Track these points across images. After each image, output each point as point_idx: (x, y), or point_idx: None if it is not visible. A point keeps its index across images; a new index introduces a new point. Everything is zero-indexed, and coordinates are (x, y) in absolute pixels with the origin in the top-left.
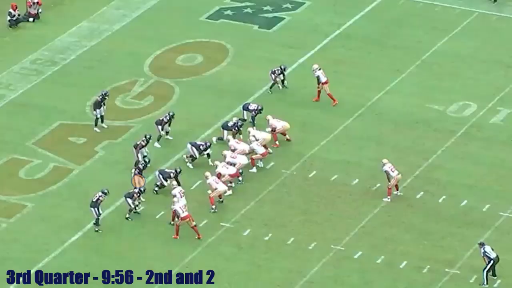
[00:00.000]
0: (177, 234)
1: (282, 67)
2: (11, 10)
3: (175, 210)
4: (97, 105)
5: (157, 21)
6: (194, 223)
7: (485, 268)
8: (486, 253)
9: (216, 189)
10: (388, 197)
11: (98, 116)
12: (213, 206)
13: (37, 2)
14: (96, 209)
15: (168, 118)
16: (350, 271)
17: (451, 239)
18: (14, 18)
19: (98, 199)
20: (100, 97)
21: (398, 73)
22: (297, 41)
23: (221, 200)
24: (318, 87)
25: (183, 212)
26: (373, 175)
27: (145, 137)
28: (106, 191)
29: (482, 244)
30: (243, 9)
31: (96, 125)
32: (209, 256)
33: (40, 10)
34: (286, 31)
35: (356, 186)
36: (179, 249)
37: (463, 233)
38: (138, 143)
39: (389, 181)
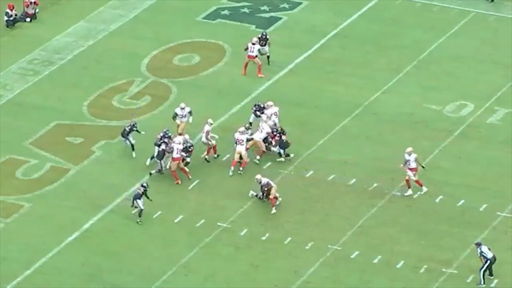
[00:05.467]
0: (177, 179)
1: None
2: (8, 10)
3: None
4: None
5: (154, 21)
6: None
7: (481, 268)
8: (483, 253)
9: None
10: (409, 189)
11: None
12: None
13: (34, 2)
14: (137, 200)
15: (162, 135)
16: (347, 271)
17: (448, 238)
18: (11, 18)
19: (138, 192)
20: (129, 127)
21: (395, 72)
22: (294, 41)
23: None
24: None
25: (176, 153)
26: (370, 174)
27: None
28: (145, 184)
29: (478, 244)
30: (240, 9)
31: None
32: (206, 256)
33: (37, 10)
34: (283, 31)
35: (353, 186)
36: (176, 249)
37: (460, 232)
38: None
39: (415, 171)
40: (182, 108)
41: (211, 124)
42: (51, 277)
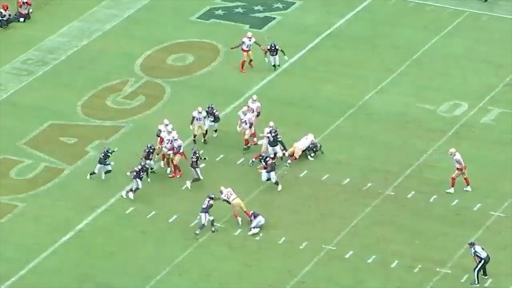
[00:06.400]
0: (179, 171)
1: (273, 44)
2: (1, 10)
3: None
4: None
5: (148, 21)
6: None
7: (475, 268)
8: (477, 253)
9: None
10: (452, 188)
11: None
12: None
13: (27, 2)
14: (206, 214)
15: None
16: (341, 271)
17: (442, 238)
18: (5, 18)
19: (207, 205)
20: (103, 154)
21: (389, 72)
22: (288, 41)
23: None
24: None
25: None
26: (364, 174)
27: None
28: (212, 195)
29: (472, 244)
30: (234, 9)
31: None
32: (200, 256)
33: (30, 10)
34: (277, 31)
35: (347, 186)
36: (170, 249)
37: (454, 232)
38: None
39: (459, 171)
40: (166, 125)
41: (200, 112)
42: (45, 277)
